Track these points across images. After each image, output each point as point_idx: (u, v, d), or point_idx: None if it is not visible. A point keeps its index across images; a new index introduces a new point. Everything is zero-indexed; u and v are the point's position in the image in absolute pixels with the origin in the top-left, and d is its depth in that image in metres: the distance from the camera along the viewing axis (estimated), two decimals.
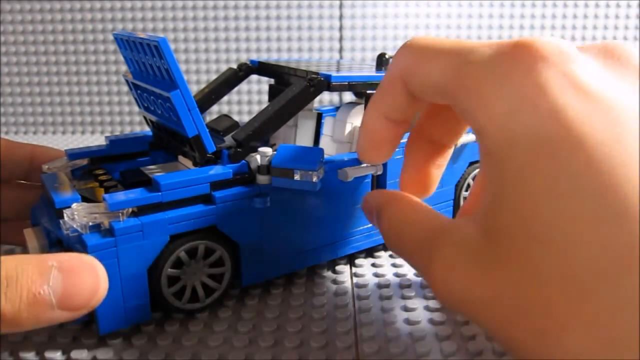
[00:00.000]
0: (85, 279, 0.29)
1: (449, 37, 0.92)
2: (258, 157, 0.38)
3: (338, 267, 0.44)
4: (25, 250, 0.47)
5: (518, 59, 0.23)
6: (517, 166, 0.22)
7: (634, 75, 0.23)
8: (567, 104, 0.21)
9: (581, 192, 0.20)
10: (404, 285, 0.41)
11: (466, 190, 0.50)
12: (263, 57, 0.93)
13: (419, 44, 0.28)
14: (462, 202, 0.50)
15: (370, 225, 0.43)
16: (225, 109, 0.94)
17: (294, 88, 0.40)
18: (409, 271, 0.43)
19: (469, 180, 0.50)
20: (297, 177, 0.35)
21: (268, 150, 0.37)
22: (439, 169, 0.35)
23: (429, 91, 0.28)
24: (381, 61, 0.48)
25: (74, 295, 0.28)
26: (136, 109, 0.95)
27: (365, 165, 0.39)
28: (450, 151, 0.35)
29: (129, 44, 0.39)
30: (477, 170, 0.50)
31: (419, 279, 0.42)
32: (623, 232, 0.18)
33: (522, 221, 0.21)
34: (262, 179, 0.37)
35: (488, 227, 0.23)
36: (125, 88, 0.95)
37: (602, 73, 0.23)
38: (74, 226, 0.33)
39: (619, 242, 0.18)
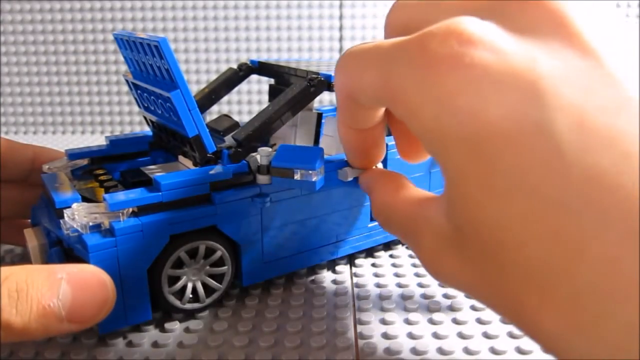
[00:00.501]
0: (94, 292, 0.29)
1: None
2: (258, 156, 0.38)
3: (338, 267, 0.44)
4: (25, 251, 0.47)
5: (432, 60, 0.22)
6: (453, 169, 0.22)
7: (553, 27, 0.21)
8: (486, 99, 0.21)
9: (514, 188, 0.20)
10: (404, 285, 0.41)
11: None
12: (263, 57, 0.93)
13: (351, 56, 0.28)
14: None
15: (370, 225, 0.43)
16: (225, 109, 0.94)
17: (294, 88, 0.41)
18: (408, 271, 0.43)
19: None
20: (297, 176, 0.35)
21: (268, 150, 0.37)
22: None
23: (371, 102, 0.28)
24: None
25: (82, 308, 0.28)
26: (136, 109, 0.95)
27: None
28: None
29: (129, 44, 0.39)
30: None
31: (419, 278, 0.42)
32: (565, 222, 0.19)
33: (473, 222, 0.22)
34: (262, 179, 0.37)
35: (452, 220, 0.24)
36: (125, 88, 0.95)
37: (514, 45, 0.21)
38: (74, 226, 0.33)
39: (563, 232, 0.19)
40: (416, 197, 0.30)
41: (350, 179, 0.38)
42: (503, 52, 0.21)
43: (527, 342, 0.34)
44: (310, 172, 0.35)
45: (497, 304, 0.22)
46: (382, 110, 0.31)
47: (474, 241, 0.22)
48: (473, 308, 0.38)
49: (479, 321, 0.36)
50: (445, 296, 0.39)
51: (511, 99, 0.20)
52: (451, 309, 0.38)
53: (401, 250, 0.47)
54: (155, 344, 0.34)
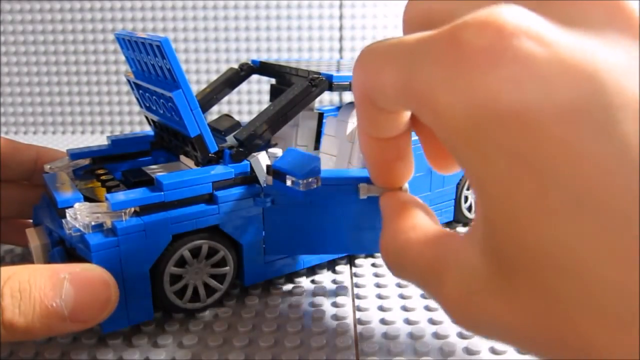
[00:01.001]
0: (96, 292, 0.29)
1: None
2: (259, 157, 0.38)
3: (338, 267, 0.44)
4: (25, 251, 0.47)
5: (467, 55, 0.19)
6: (495, 185, 0.19)
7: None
8: (535, 99, 0.17)
9: (577, 203, 0.17)
10: (404, 284, 0.41)
11: (467, 189, 0.50)
12: (263, 57, 0.93)
13: (370, 53, 0.25)
14: (462, 201, 0.50)
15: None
16: (225, 108, 0.94)
17: (295, 88, 0.41)
18: None
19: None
20: (288, 182, 0.35)
21: (278, 152, 0.37)
22: None
23: (392, 104, 0.24)
24: None
25: (85, 307, 0.28)
26: (136, 108, 0.95)
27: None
28: None
29: (130, 44, 0.39)
30: None
31: None
32: (629, 242, 0.16)
33: (522, 248, 0.18)
34: (266, 178, 0.37)
35: (492, 252, 0.20)
36: (126, 88, 0.95)
37: (565, 37, 0.18)
38: (77, 226, 0.33)
39: (627, 255, 0.16)
40: (435, 236, 0.25)
41: (363, 197, 0.35)
42: (553, 45, 0.18)
43: None
44: (298, 180, 0.34)
45: (553, 347, 0.18)
46: (407, 115, 0.27)
47: (523, 273, 0.18)
48: None
49: None
50: None
51: (566, 98, 0.17)
52: None
53: None
54: (155, 344, 0.34)
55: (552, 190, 0.17)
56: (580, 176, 0.16)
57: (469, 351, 0.33)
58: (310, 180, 0.35)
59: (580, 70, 0.17)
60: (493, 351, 0.33)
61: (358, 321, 0.37)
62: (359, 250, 0.40)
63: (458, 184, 0.49)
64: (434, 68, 0.20)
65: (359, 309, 0.38)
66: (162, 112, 0.40)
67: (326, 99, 0.91)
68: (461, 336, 0.35)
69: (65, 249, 0.35)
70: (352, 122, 0.43)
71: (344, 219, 0.38)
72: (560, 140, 0.17)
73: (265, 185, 0.37)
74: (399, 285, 0.41)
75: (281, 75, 0.48)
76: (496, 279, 0.20)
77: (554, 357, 0.19)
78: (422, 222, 0.27)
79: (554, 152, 0.17)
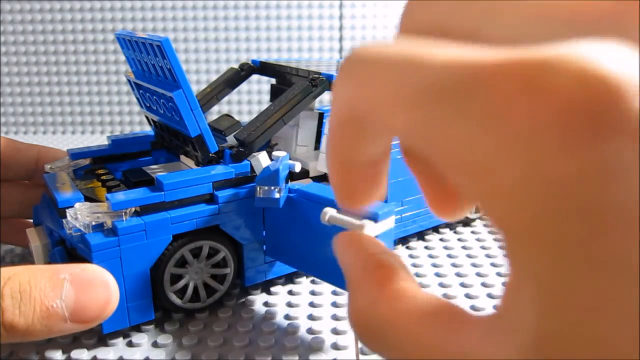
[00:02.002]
0: (97, 292, 0.29)
1: None
2: (260, 156, 0.38)
3: None
4: (25, 251, 0.47)
5: (545, 120, 0.12)
6: (549, 270, 0.13)
7: None
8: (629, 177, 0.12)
9: None
10: None
11: None
12: (263, 57, 0.93)
13: (365, 63, 0.17)
14: None
15: None
16: (225, 108, 0.94)
17: (296, 88, 0.41)
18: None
19: None
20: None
21: (280, 153, 0.37)
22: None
23: (391, 134, 0.18)
24: None
25: (86, 308, 0.28)
26: (136, 108, 0.95)
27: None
28: None
29: (131, 44, 0.39)
30: None
31: (419, 279, 0.42)
32: None
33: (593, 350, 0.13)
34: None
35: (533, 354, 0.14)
36: (126, 88, 0.95)
37: None
38: (77, 226, 0.33)
39: None
40: (433, 311, 0.18)
41: (327, 223, 0.30)
42: None
43: None
44: (256, 187, 0.36)
45: None
46: (391, 139, 0.20)
47: None
48: (473, 308, 0.38)
49: None
50: (446, 296, 0.39)
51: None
52: None
53: (401, 250, 0.47)
54: (155, 344, 0.34)
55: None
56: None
57: None
58: (266, 188, 0.35)
59: None
60: None
61: None
62: (333, 281, 0.35)
63: None
64: (490, 123, 0.13)
65: None
66: (162, 112, 0.40)
67: (326, 99, 0.91)
68: None
69: (66, 249, 0.35)
70: None
71: (319, 241, 0.34)
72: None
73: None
74: None
75: (281, 75, 0.48)
76: None
77: None
78: (408, 288, 0.19)
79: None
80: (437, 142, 0.15)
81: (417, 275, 0.42)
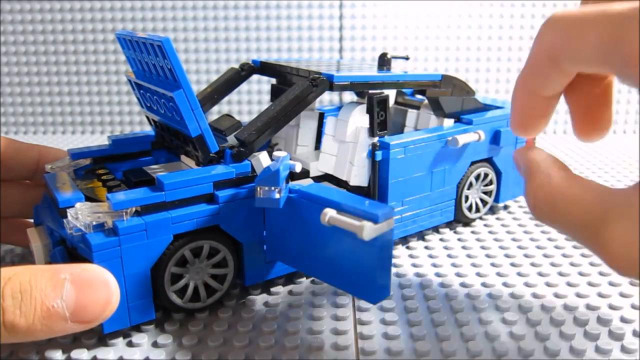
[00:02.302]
0: (97, 292, 0.29)
1: (450, 37, 0.92)
2: (260, 156, 0.38)
3: None
4: (25, 251, 0.47)
5: None
6: None
7: None
8: None
9: None
10: (404, 285, 0.41)
11: (468, 189, 0.50)
12: (263, 57, 0.93)
13: (564, 18, 0.27)
14: (463, 201, 0.50)
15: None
16: (225, 108, 0.94)
17: (296, 88, 0.41)
18: (408, 271, 0.43)
19: (471, 178, 0.50)
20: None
21: (281, 154, 0.37)
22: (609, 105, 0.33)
23: (583, 65, 0.27)
24: (383, 61, 0.48)
25: (86, 308, 0.28)
26: (136, 108, 0.95)
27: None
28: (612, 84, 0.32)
29: (131, 44, 0.39)
30: (480, 170, 0.50)
31: (419, 279, 0.42)
32: None
33: None
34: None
35: None
36: (126, 88, 0.95)
37: None
38: (78, 225, 0.33)
39: None
40: (592, 186, 0.27)
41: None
42: None
43: (528, 343, 0.34)
44: (256, 187, 0.35)
45: None
46: (570, 79, 0.29)
47: None
48: (474, 309, 0.38)
49: (480, 322, 0.36)
50: (446, 297, 0.39)
51: None
52: (452, 309, 0.38)
53: (400, 250, 0.47)
54: (155, 344, 0.34)
55: None
56: None
57: (469, 352, 0.33)
58: (266, 189, 0.35)
59: None
60: (494, 352, 0.33)
61: (358, 321, 0.37)
62: (333, 281, 0.36)
63: (458, 184, 0.49)
64: None
65: (359, 309, 0.38)
66: (163, 112, 0.40)
67: (326, 99, 0.91)
68: (462, 337, 0.35)
69: (67, 249, 0.35)
70: (353, 122, 0.43)
71: (319, 241, 0.35)
72: None
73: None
74: (400, 286, 0.41)
75: (282, 75, 0.48)
76: None
77: None
78: (573, 174, 0.28)
79: None
80: (619, 52, 0.23)
81: (417, 275, 0.43)
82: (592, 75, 0.31)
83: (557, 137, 0.91)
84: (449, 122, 0.49)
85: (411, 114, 0.53)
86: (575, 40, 0.26)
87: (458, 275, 0.43)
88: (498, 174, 0.53)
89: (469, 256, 0.46)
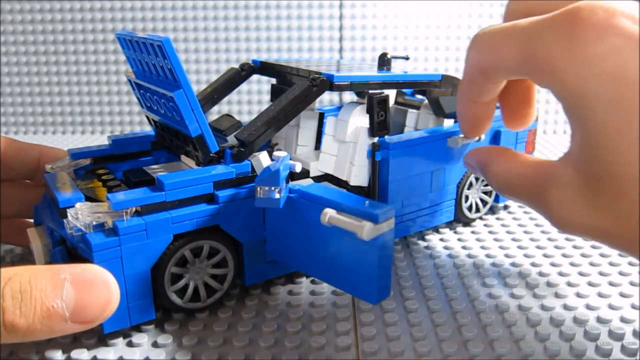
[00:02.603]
0: (97, 292, 0.29)
1: (450, 37, 0.92)
2: (260, 156, 0.38)
3: None
4: (25, 251, 0.47)
5: (580, 30, 0.26)
6: (595, 124, 0.26)
7: None
8: (629, 63, 0.25)
9: None
10: (404, 285, 0.41)
11: (468, 189, 0.50)
12: (263, 57, 0.93)
13: (486, 35, 0.32)
14: (463, 201, 0.50)
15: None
16: (225, 108, 0.94)
17: (296, 88, 0.41)
18: (408, 271, 0.43)
19: (472, 178, 0.50)
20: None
21: (281, 154, 0.37)
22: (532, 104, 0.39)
23: (506, 74, 0.32)
24: (383, 61, 0.48)
25: (86, 308, 0.28)
26: (136, 108, 0.95)
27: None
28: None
29: (131, 44, 0.39)
30: None
31: (419, 279, 0.42)
32: None
33: (613, 168, 0.25)
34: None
35: (587, 170, 0.27)
36: (126, 88, 0.95)
37: None
38: (78, 225, 0.33)
39: None
40: (533, 161, 0.33)
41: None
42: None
43: (527, 344, 0.34)
44: (256, 187, 0.35)
45: (630, 244, 0.26)
46: (502, 86, 0.35)
47: (611, 186, 0.25)
48: (473, 308, 0.38)
49: (479, 321, 0.36)
50: (446, 297, 0.39)
51: None
52: (451, 309, 0.38)
53: (400, 250, 0.47)
54: (155, 344, 0.34)
55: (636, 128, 0.24)
56: None
57: (468, 352, 0.33)
58: (266, 189, 0.35)
59: None
60: (493, 352, 0.33)
61: (358, 321, 0.37)
62: (333, 281, 0.36)
63: (458, 184, 0.49)
64: (554, 41, 0.27)
65: (359, 309, 0.38)
66: (163, 112, 0.40)
67: (326, 99, 0.91)
68: (461, 337, 0.35)
69: (67, 249, 0.35)
70: (353, 122, 0.43)
71: (319, 241, 0.35)
72: None
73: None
74: (400, 286, 0.41)
75: (282, 75, 0.48)
76: (588, 191, 0.27)
77: (624, 251, 0.27)
78: (516, 153, 0.35)
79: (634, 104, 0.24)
80: (532, 61, 0.29)
81: (417, 275, 0.43)
82: (516, 80, 0.37)
83: (557, 137, 0.92)
84: (449, 122, 0.49)
85: (411, 114, 0.53)
86: (495, 54, 0.31)
87: (458, 275, 0.43)
88: None
89: (469, 256, 0.46)
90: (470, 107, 0.38)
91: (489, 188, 0.52)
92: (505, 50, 0.30)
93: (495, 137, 0.51)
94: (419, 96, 0.55)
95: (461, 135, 0.45)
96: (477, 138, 0.46)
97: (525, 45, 0.29)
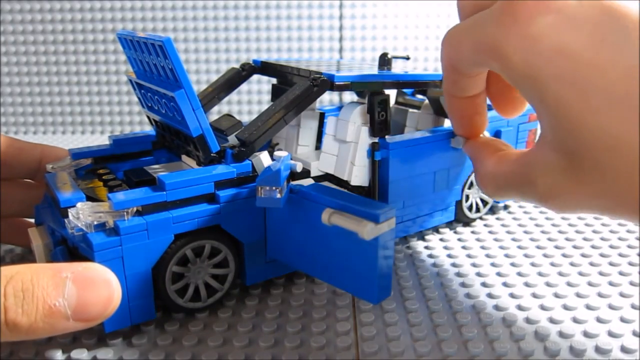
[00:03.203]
0: (99, 290, 0.29)
1: None
2: (261, 156, 0.38)
3: None
4: (25, 251, 0.47)
5: (516, 12, 0.28)
6: (553, 101, 0.27)
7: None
8: (567, 36, 0.26)
9: (607, 101, 0.25)
10: (404, 285, 0.41)
11: (469, 189, 0.50)
12: (263, 57, 0.93)
13: (450, 33, 0.34)
14: (464, 201, 0.50)
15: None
16: (225, 109, 0.94)
17: (297, 88, 0.41)
18: (408, 271, 0.43)
19: (472, 178, 0.50)
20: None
21: (282, 154, 0.37)
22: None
23: (471, 67, 0.33)
24: (384, 61, 0.48)
25: (88, 306, 0.28)
26: (136, 108, 0.95)
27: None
28: None
29: (132, 44, 0.39)
30: None
31: (419, 279, 0.42)
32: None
33: (581, 138, 0.26)
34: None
35: (562, 148, 0.27)
36: (126, 88, 0.95)
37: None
38: (79, 225, 0.33)
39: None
40: (514, 155, 0.33)
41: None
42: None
43: (527, 344, 0.34)
44: (257, 187, 0.35)
45: (625, 208, 0.26)
46: (482, 78, 0.36)
47: (588, 158, 0.26)
48: (473, 308, 0.38)
49: (479, 321, 0.36)
50: (445, 297, 0.39)
51: (591, 31, 0.25)
52: (451, 309, 0.38)
53: (400, 250, 0.47)
54: (155, 344, 0.34)
55: (592, 96, 0.25)
56: (609, 81, 0.25)
57: (468, 352, 0.33)
58: (267, 188, 0.35)
59: (598, 9, 0.26)
60: (494, 352, 0.33)
61: (358, 321, 0.37)
62: (333, 281, 0.36)
63: (463, 184, 0.49)
64: (495, 28, 0.29)
65: (359, 309, 0.38)
66: (164, 111, 0.40)
67: (326, 99, 0.91)
68: (461, 336, 0.35)
69: (68, 248, 0.35)
70: (354, 122, 0.43)
71: (320, 241, 0.35)
72: (590, 60, 0.25)
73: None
74: (400, 286, 0.41)
75: (283, 75, 0.48)
76: (572, 169, 0.27)
77: (620, 217, 0.28)
78: (500, 151, 0.36)
79: (588, 70, 0.25)
80: (481, 50, 0.30)
81: (417, 275, 0.43)
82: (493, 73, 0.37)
83: None
84: (449, 122, 0.49)
85: (412, 114, 0.53)
86: (457, 50, 0.33)
87: (458, 275, 0.43)
88: None
89: (469, 256, 0.46)
90: (455, 103, 0.38)
91: None
92: (463, 44, 0.32)
93: (496, 137, 0.51)
94: (419, 96, 0.55)
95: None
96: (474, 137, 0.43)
97: (475, 37, 0.31)
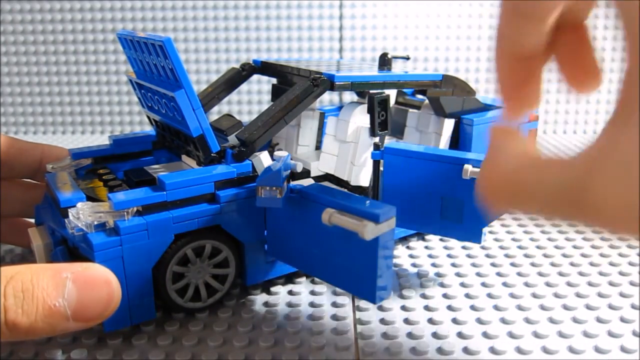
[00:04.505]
0: (99, 290, 0.29)
1: (450, 37, 0.92)
2: (261, 156, 0.38)
3: None
4: (25, 251, 0.47)
5: None
6: None
7: None
8: None
9: None
10: (404, 285, 0.41)
11: None
12: (263, 57, 0.93)
13: None
14: None
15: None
16: (225, 108, 0.94)
17: (297, 88, 0.41)
18: (408, 271, 0.43)
19: None
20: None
21: (282, 154, 0.37)
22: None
23: (552, 15, 0.25)
24: (384, 61, 0.48)
25: (88, 307, 0.28)
26: (136, 108, 0.95)
27: None
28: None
29: (132, 44, 0.39)
30: None
31: (419, 279, 0.42)
32: None
33: None
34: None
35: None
36: (126, 88, 0.95)
37: None
38: (79, 225, 0.33)
39: None
40: (557, 160, 0.23)
41: (328, 223, 0.33)
42: None
43: (527, 343, 0.34)
44: (257, 187, 0.35)
45: None
46: (548, 31, 0.27)
47: None
48: (473, 308, 0.38)
49: (479, 321, 0.36)
50: (445, 296, 0.39)
51: None
52: (451, 309, 0.38)
53: (400, 250, 0.47)
54: (155, 344, 0.34)
55: None
56: None
57: (468, 351, 0.33)
58: (267, 188, 0.35)
59: None
60: (493, 351, 0.33)
61: (358, 321, 0.37)
62: (333, 281, 0.35)
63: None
64: None
65: (359, 309, 0.38)
66: (164, 111, 0.40)
67: (326, 99, 0.91)
68: (460, 336, 0.35)
69: (68, 248, 0.35)
70: (354, 122, 0.43)
71: (320, 241, 0.35)
72: None
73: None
74: (400, 286, 0.41)
75: (283, 75, 0.48)
76: None
77: None
78: (533, 157, 0.24)
79: None
80: None
81: (417, 275, 0.43)
82: (565, 25, 0.28)
83: (557, 137, 0.92)
84: (449, 122, 0.49)
85: (412, 114, 0.53)
86: None
87: (458, 275, 0.43)
88: None
89: (469, 256, 0.46)
90: (507, 65, 0.29)
91: None
92: None
93: None
94: (419, 96, 0.55)
95: (471, 167, 0.38)
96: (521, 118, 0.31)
97: None
